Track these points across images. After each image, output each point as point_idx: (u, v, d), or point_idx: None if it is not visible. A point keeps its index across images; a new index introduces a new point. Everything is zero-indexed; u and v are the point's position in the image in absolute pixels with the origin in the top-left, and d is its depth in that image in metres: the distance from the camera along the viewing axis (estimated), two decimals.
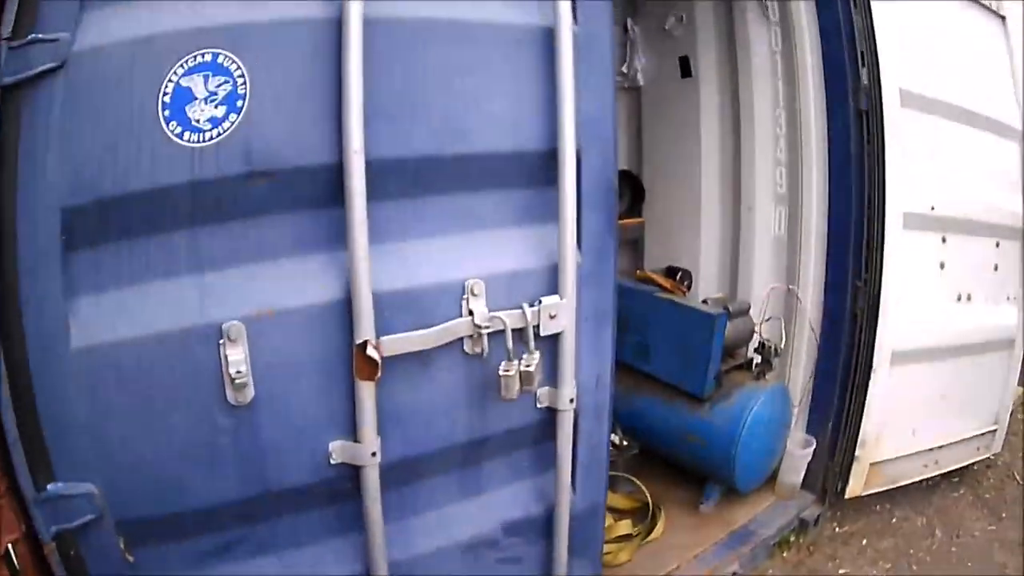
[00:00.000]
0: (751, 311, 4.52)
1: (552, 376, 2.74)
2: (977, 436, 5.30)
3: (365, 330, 2.31)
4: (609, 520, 4.17)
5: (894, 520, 5.01)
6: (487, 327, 2.49)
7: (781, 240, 4.84)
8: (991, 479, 5.66)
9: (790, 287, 4.67)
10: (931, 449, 5.01)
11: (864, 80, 4.31)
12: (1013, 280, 5.29)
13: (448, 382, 2.57)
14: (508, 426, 2.75)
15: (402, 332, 2.40)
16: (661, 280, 4.65)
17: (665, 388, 4.49)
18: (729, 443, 4.24)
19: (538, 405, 2.77)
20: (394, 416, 2.51)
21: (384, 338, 2.36)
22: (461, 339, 2.53)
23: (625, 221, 5.16)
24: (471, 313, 2.49)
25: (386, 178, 2.36)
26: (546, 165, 2.59)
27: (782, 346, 4.52)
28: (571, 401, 2.76)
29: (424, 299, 2.45)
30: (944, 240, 4.76)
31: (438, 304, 2.46)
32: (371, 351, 2.29)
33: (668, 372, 4.48)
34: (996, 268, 5.12)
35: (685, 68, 5.29)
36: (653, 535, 4.27)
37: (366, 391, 2.38)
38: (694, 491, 4.67)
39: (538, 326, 2.60)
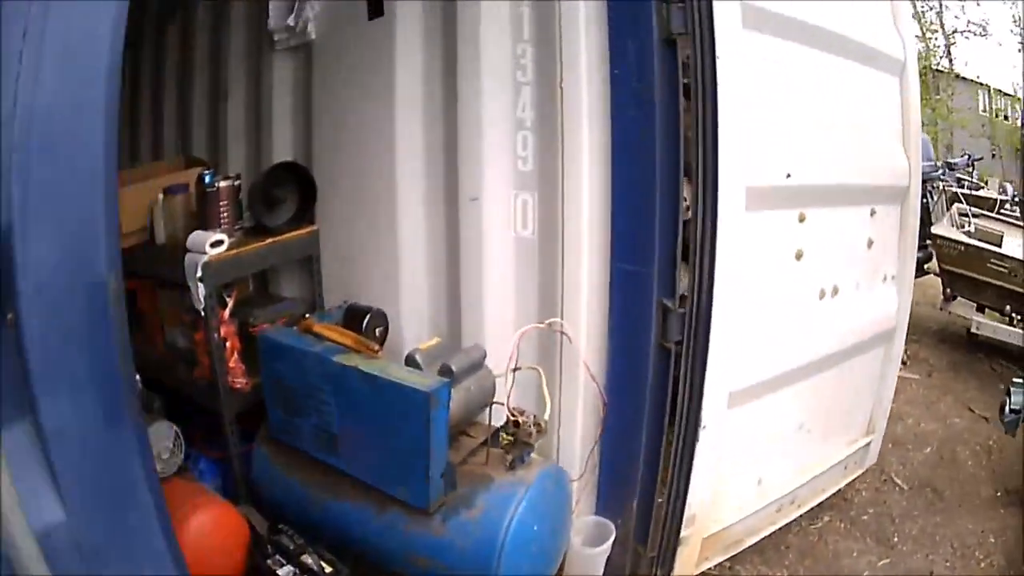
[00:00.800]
0: (487, 359, 2.31)
1: None
2: (847, 456, 3.26)
3: None
4: None
5: None
6: None
7: (529, 244, 2.49)
8: (863, 492, 3.64)
9: (549, 322, 2.40)
10: (786, 493, 2.95)
11: None
12: (891, 254, 3.16)
13: None
14: None
15: None
16: (337, 334, 2.35)
17: (372, 489, 2.32)
18: (483, 571, 2.11)
19: None
20: None
21: None
22: None
23: (289, 234, 2.83)
24: None
25: None
26: None
27: (546, 416, 2.28)
28: None
29: None
30: (802, 219, 2.60)
31: None
32: None
33: (369, 473, 2.30)
34: (870, 244, 2.98)
35: (375, 4, 2.74)
36: None
37: None
38: None
39: None
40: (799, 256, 2.59)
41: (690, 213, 2.25)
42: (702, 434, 2.37)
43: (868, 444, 3.38)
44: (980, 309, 5.15)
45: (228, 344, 2.66)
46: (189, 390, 2.86)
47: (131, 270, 3.16)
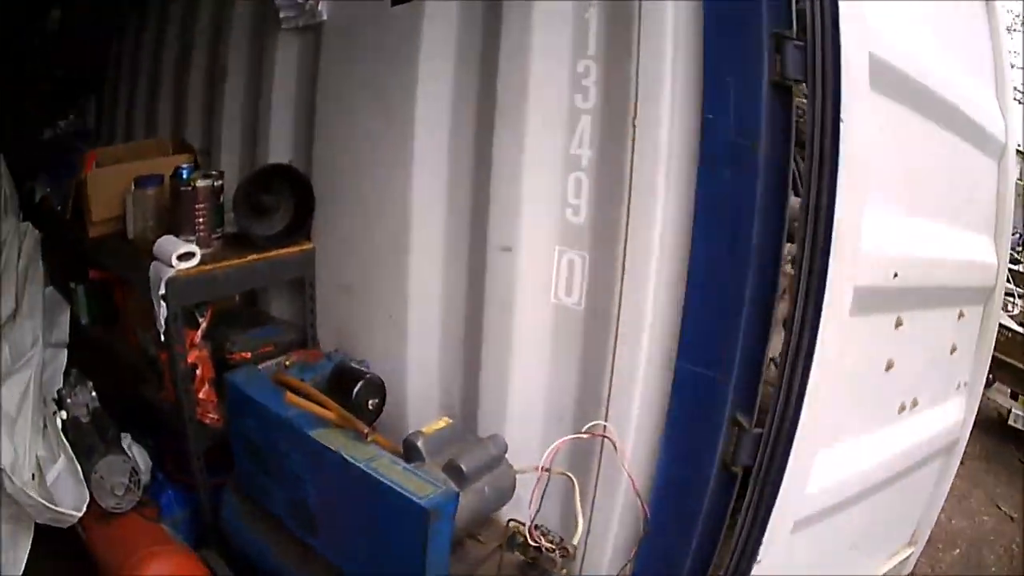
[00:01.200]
0: (507, 452, 1.83)
1: None
2: (887, 571, 2.83)
3: None
4: None
5: None
6: None
7: (573, 316, 1.94)
8: None
9: (590, 427, 1.84)
10: None
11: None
12: (968, 360, 2.72)
13: None
14: None
15: None
16: (318, 405, 1.85)
17: None
18: None
19: None
20: None
21: None
22: None
23: (278, 251, 2.31)
24: None
25: None
26: None
27: (576, 537, 1.77)
28: None
29: None
30: (899, 324, 2.12)
31: None
32: None
33: (353, 569, 1.84)
34: (953, 350, 2.53)
35: None
36: None
37: None
38: None
39: None
40: (889, 367, 2.13)
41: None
42: (756, 567, 1.94)
43: (908, 556, 2.95)
44: (1014, 396, 4.74)
45: (199, 372, 2.16)
46: (158, 411, 2.42)
47: (103, 262, 2.72)
